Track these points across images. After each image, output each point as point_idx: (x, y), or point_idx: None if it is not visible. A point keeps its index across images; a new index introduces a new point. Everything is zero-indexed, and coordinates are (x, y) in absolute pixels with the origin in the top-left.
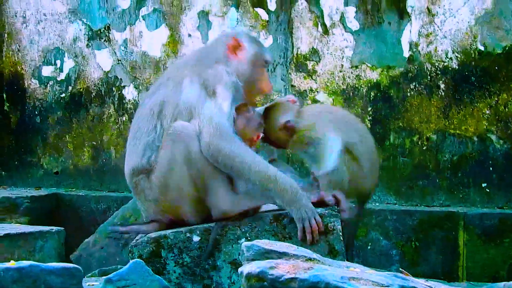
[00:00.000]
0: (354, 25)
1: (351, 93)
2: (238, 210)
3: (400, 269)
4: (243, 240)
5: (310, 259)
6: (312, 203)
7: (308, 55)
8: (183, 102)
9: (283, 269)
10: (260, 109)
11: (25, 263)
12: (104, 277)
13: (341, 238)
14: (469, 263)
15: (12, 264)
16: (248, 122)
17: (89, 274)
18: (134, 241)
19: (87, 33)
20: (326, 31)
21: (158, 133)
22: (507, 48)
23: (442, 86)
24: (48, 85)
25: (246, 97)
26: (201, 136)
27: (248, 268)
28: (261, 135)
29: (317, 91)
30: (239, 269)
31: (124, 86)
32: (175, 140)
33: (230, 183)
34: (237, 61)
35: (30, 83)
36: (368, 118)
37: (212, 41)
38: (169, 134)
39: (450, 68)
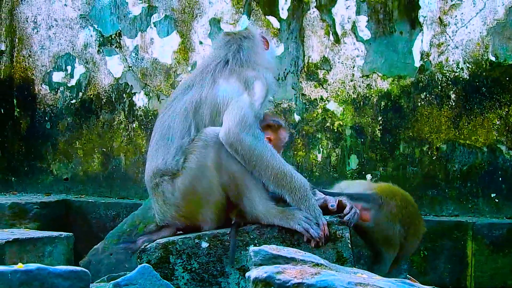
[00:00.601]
0: (366, 34)
1: (361, 102)
2: (270, 221)
3: (408, 275)
4: (251, 246)
5: (317, 264)
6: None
7: (319, 64)
8: (221, 99)
9: (290, 274)
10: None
11: (32, 265)
12: (112, 282)
13: (350, 246)
14: (477, 273)
15: (20, 266)
16: (279, 141)
17: (98, 280)
18: (143, 246)
19: (98, 39)
20: (337, 40)
21: (192, 134)
22: None
23: (453, 96)
24: (59, 91)
25: None
26: (224, 123)
27: (255, 273)
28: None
29: (328, 100)
30: (247, 274)
31: (134, 93)
32: (206, 145)
33: (264, 187)
34: (269, 57)
35: (40, 89)
36: (378, 128)
37: (241, 38)
38: (200, 139)
39: (461, 78)
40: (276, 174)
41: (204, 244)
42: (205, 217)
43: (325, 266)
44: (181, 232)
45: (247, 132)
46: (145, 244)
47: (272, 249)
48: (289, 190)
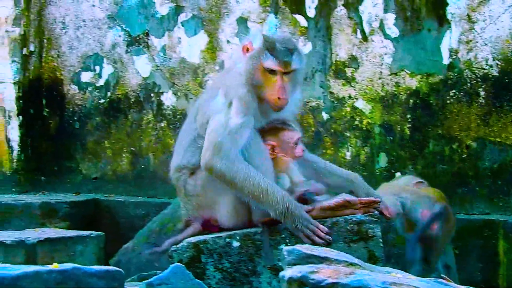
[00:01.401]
0: (394, 32)
1: (390, 100)
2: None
3: (442, 275)
4: (282, 245)
5: (351, 264)
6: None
7: (347, 62)
8: (210, 110)
9: (324, 273)
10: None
11: (68, 265)
12: (145, 281)
13: (381, 245)
14: (510, 271)
15: (55, 266)
16: (285, 144)
17: (128, 280)
18: (174, 246)
19: (126, 39)
20: (365, 38)
21: (194, 135)
22: None
23: (482, 93)
24: (87, 91)
25: (265, 103)
26: (202, 153)
27: (289, 272)
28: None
29: (356, 98)
30: (280, 274)
31: (162, 92)
32: None
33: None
34: (244, 63)
35: (69, 89)
36: (407, 126)
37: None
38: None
39: (490, 76)
40: (252, 193)
41: (236, 243)
42: (223, 210)
43: (359, 265)
44: (207, 231)
45: (218, 157)
46: (172, 248)
47: (306, 248)
48: (269, 206)
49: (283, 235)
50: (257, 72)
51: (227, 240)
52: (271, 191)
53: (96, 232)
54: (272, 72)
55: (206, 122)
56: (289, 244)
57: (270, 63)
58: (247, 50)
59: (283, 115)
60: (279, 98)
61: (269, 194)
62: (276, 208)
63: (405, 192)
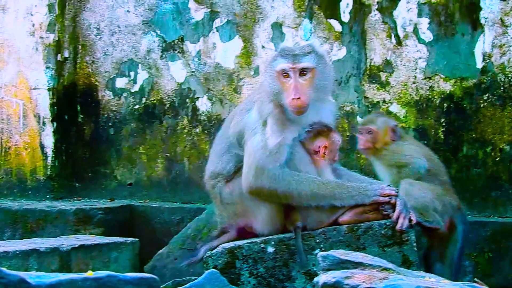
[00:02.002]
0: (428, 36)
1: (424, 105)
2: (332, 218)
3: (475, 279)
4: (317, 250)
5: (385, 269)
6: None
7: (381, 66)
8: (243, 122)
9: (358, 279)
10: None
11: (102, 273)
12: (180, 287)
13: (415, 249)
14: None
15: (90, 274)
16: (333, 146)
17: (163, 286)
18: (209, 252)
19: (160, 45)
20: (399, 42)
21: (229, 142)
22: None
23: None
24: (122, 96)
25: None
26: (243, 170)
27: (324, 278)
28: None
29: (390, 103)
30: (315, 279)
31: (197, 98)
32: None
33: None
34: (264, 79)
35: (103, 95)
36: (441, 129)
37: None
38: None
39: None
40: (312, 192)
41: (270, 249)
42: (259, 218)
43: (393, 270)
44: (242, 238)
45: (263, 177)
46: (207, 254)
47: (340, 253)
48: (333, 196)
49: (318, 240)
50: (274, 80)
51: (262, 245)
52: (327, 182)
53: (131, 239)
54: (285, 75)
55: (238, 132)
56: (323, 249)
57: (280, 64)
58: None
59: (321, 120)
60: (293, 99)
61: (327, 185)
62: (340, 194)
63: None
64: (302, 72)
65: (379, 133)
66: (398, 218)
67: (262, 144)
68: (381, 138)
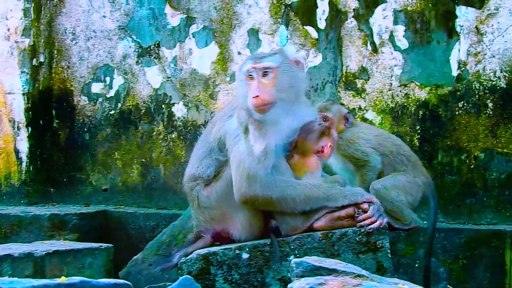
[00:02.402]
0: (403, 43)
1: (399, 112)
2: (307, 224)
3: (448, 286)
4: (292, 257)
5: (359, 275)
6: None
7: (357, 73)
8: (224, 129)
9: (332, 285)
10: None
11: (75, 279)
12: None
13: (389, 256)
14: None
15: (63, 280)
16: (334, 141)
17: None
18: (184, 258)
19: (136, 50)
20: (375, 50)
21: (210, 147)
22: None
23: (490, 105)
24: (98, 102)
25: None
26: (233, 180)
27: (297, 284)
28: (329, 144)
29: (366, 110)
30: (289, 286)
31: (173, 104)
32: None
33: None
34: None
35: (79, 100)
36: (417, 137)
37: None
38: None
39: (498, 87)
40: (306, 196)
41: (245, 255)
42: (235, 223)
43: (366, 277)
44: (218, 243)
45: (256, 186)
46: (182, 260)
47: (314, 260)
48: (326, 198)
49: (292, 247)
50: (242, 84)
51: (237, 251)
52: (318, 185)
53: (105, 244)
54: (250, 76)
55: (219, 138)
56: (298, 255)
57: (245, 65)
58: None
59: (302, 123)
60: (253, 97)
61: (319, 187)
62: (333, 194)
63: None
64: (265, 72)
65: (334, 120)
66: (372, 223)
67: (248, 151)
68: (336, 126)
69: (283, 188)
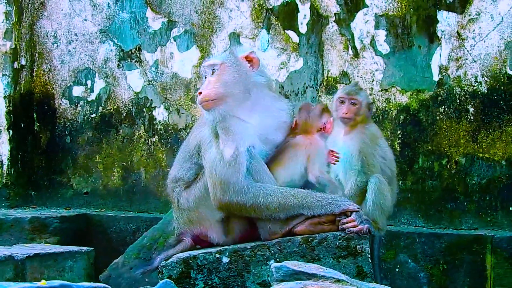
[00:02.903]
0: (385, 48)
1: (380, 116)
2: (286, 229)
3: None
4: (272, 261)
5: (338, 280)
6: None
7: (338, 78)
8: (199, 135)
9: None
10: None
11: (56, 282)
12: None
13: (369, 260)
14: (497, 287)
15: (43, 283)
16: (310, 117)
17: None
18: (164, 261)
19: (118, 54)
20: (356, 54)
21: (191, 153)
22: None
23: (471, 110)
24: (79, 105)
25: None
26: (211, 194)
27: None
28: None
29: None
30: None
31: (154, 107)
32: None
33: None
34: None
35: (60, 103)
36: (397, 141)
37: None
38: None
39: (479, 92)
40: (280, 204)
41: (225, 259)
42: (214, 227)
43: (346, 282)
44: (199, 247)
45: (230, 192)
46: (162, 263)
47: (294, 265)
48: (301, 206)
49: (272, 251)
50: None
51: (217, 256)
52: (295, 193)
53: (86, 248)
54: (204, 76)
55: (196, 145)
56: (278, 260)
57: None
58: None
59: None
60: (198, 94)
61: (295, 195)
62: (309, 203)
63: None
64: (213, 70)
65: (362, 106)
66: (354, 227)
67: (218, 157)
68: (363, 112)
69: (256, 195)
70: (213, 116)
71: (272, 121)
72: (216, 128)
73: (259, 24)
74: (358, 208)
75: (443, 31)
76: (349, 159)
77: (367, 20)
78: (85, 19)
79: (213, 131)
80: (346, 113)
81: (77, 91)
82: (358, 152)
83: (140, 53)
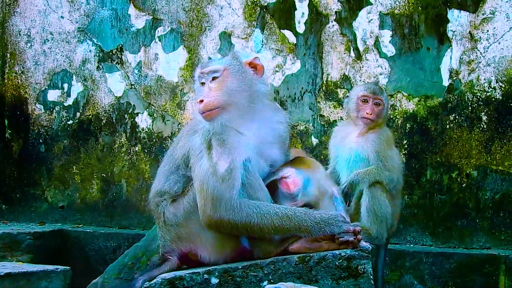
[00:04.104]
0: (390, 50)
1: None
2: (281, 248)
3: None
4: (265, 283)
5: None
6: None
7: (339, 82)
8: (188, 145)
9: None
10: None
11: None
12: None
13: (372, 282)
14: None
15: None
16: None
17: None
18: (147, 282)
19: (97, 55)
20: (359, 56)
21: (177, 164)
22: None
23: (484, 118)
24: (54, 111)
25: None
26: (197, 202)
27: None
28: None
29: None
30: None
31: (137, 113)
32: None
33: None
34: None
35: (34, 109)
36: (404, 152)
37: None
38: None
39: (493, 99)
40: (274, 227)
41: (214, 280)
42: (206, 244)
43: None
44: (185, 266)
45: (221, 209)
46: (145, 284)
47: (290, 286)
48: (298, 229)
49: (266, 271)
50: (197, 93)
51: (205, 276)
52: (292, 214)
53: (62, 267)
54: (202, 83)
55: (184, 155)
56: (272, 281)
57: (195, 71)
58: None
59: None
60: (198, 103)
61: (292, 218)
62: (307, 227)
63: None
64: (213, 76)
65: (385, 108)
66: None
67: (211, 170)
68: (385, 114)
69: (249, 214)
70: (212, 126)
71: (270, 134)
72: (211, 138)
73: (253, 22)
74: (360, 229)
75: (454, 31)
76: (363, 161)
77: (371, 19)
78: (62, 17)
79: (206, 141)
80: (370, 114)
81: (53, 95)
82: (376, 152)
83: (121, 54)
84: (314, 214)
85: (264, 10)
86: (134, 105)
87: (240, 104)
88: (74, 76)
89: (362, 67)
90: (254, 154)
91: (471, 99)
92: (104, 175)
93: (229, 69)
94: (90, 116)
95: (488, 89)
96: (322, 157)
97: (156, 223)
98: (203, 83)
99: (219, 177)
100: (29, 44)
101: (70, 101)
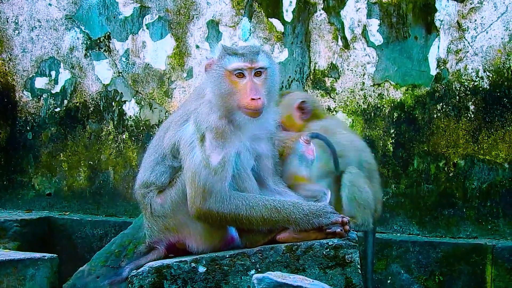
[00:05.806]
0: (378, 39)
1: (372, 114)
2: (269, 237)
3: None
4: (252, 271)
5: None
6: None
7: (326, 71)
8: (179, 135)
9: None
10: None
11: None
12: None
13: (359, 271)
14: None
15: None
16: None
17: None
18: (134, 271)
19: (85, 42)
20: (346, 45)
21: (164, 154)
22: None
23: (472, 107)
24: (42, 98)
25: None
26: (187, 193)
27: None
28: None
29: (336, 111)
30: None
31: (124, 101)
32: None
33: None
34: (209, 80)
35: (21, 96)
36: (391, 141)
37: None
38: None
39: (480, 88)
40: (262, 219)
41: (201, 269)
42: (192, 233)
43: None
44: (172, 255)
45: (211, 200)
46: (133, 273)
47: (277, 276)
48: (286, 221)
49: (253, 260)
50: (224, 82)
51: (193, 265)
52: (280, 207)
53: (49, 254)
54: (240, 74)
55: (173, 144)
56: (259, 270)
57: (235, 63)
58: (211, 66)
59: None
60: (253, 99)
61: (280, 210)
62: (295, 219)
63: None
64: (258, 72)
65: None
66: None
67: (204, 162)
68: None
69: (238, 206)
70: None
71: (260, 130)
72: (205, 130)
73: (240, 11)
74: (348, 220)
75: (441, 20)
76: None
77: (359, 8)
78: (50, 4)
79: (199, 132)
80: None
81: (40, 82)
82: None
83: (109, 42)
84: (303, 206)
85: None
86: (121, 93)
87: (269, 104)
88: (61, 63)
89: (350, 56)
90: (244, 148)
91: (458, 89)
92: (91, 162)
93: (270, 69)
94: (78, 104)
95: (476, 78)
96: None
97: (143, 214)
98: (240, 75)
99: (211, 170)
100: (16, 31)
101: (57, 89)
